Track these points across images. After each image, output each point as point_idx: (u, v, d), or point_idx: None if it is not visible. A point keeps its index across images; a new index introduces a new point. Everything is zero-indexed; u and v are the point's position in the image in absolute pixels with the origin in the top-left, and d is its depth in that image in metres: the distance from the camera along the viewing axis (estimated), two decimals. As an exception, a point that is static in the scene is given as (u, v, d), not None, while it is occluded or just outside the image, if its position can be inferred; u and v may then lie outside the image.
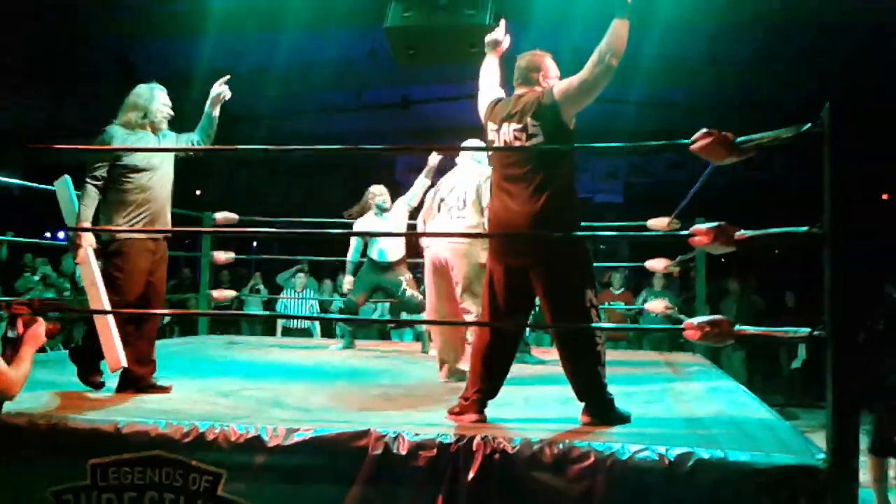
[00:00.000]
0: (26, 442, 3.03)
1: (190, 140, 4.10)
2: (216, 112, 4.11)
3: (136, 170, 3.85)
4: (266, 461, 2.88)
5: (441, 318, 4.71)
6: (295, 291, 9.23)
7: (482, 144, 4.69)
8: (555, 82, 3.31)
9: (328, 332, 8.91)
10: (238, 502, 2.87)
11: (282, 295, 9.32)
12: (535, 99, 3.26)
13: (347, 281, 6.46)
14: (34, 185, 5.18)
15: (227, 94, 4.10)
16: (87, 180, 3.82)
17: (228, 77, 4.13)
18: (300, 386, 4.19)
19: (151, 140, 3.97)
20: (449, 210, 4.69)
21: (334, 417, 3.21)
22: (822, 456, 2.63)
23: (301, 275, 9.26)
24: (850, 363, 2.60)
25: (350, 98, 11.54)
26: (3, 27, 8.65)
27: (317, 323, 9.14)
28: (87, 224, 3.79)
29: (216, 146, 4.09)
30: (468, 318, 4.47)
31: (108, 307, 3.72)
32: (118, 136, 3.87)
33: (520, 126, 3.25)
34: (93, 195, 3.81)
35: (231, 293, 7.53)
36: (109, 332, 3.69)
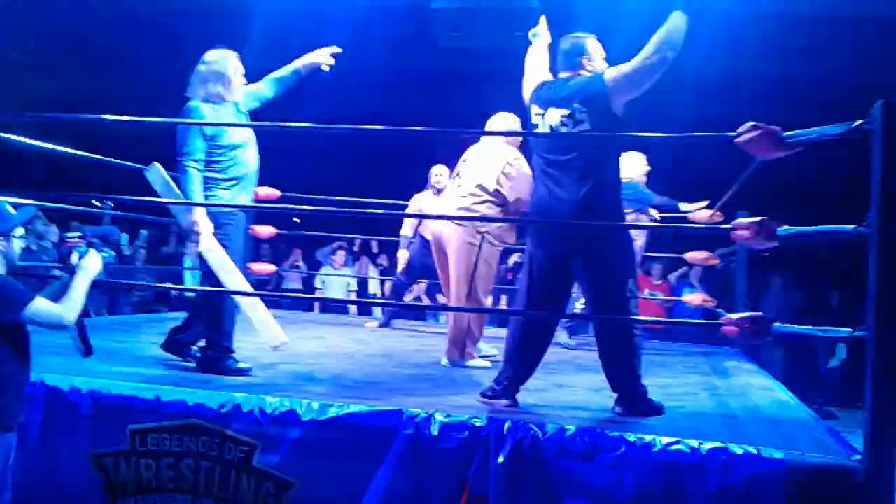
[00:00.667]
0: (68, 405, 3.12)
1: (258, 98, 4.00)
2: (301, 74, 4.02)
3: (234, 147, 3.77)
4: (300, 435, 2.93)
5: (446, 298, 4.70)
6: (332, 268, 9.32)
7: (511, 121, 4.62)
8: (604, 68, 3.27)
9: (364, 309, 8.98)
10: (271, 474, 2.93)
11: (321, 271, 9.41)
12: (582, 84, 3.22)
13: (403, 257, 6.49)
14: (82, 153, 5.30)
15: (327, 67, 4.00)
16: (188, 163, 3.67)
17: (340, 51, 4.03)
18: (335, 362, 4.24)
19: (233, 112, 3.86)
20: (459, 186, 4.63)
21: (368, 395, 3.24)
22: (857, 457, 2.59)
23: (340, 252, 9.35)
24: (892, 365, 2.55)
25: (393, 77, 11.53)
26: (49, 3, 8.78)
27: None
28: (202, 209, 3.64)
29: (279, 123, 3.92)
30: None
31: (248, 288, 3.78)
32: (208, 111, 3.73)
33: (567, 112, 3.22)
34: (198, 177, 3.68)
35: (271, 267, 7.61)
36: (261, 309, 3.75)
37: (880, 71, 8.54)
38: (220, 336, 3.75)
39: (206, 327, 3.80)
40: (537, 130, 3.32)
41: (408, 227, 6.43)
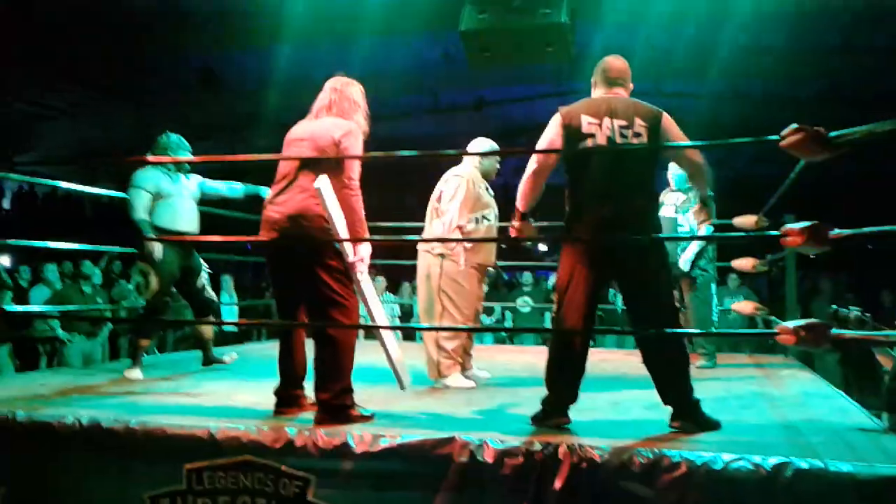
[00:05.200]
0: (123, 447, 3.14)
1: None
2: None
3: None
4: (353, 467, 2.91)
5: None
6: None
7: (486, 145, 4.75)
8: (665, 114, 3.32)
9: (408, 335, 8.97)
10: (327, 508, 2.91)
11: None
12: (639, 105, 3.30)
13: None
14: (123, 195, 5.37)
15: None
16: (355, 189, 3.49)
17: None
18: (384, 390, 4.20)
19: None
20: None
21: (419, 423, 3.22)
22: (929, 466, 2.50)
23: (380, 279, 9.34)
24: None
25: (425, 102, 11.62)
26: (84, 43, 9.01)
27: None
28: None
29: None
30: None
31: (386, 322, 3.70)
32: None
33: (625, 123, 3.23)
34: None
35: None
36: (399, 350, 3.65)
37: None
38: (345, 380, 3.36)
39: (329, 370, 3.34)
40: (595, 140, 3.25)
41: None
